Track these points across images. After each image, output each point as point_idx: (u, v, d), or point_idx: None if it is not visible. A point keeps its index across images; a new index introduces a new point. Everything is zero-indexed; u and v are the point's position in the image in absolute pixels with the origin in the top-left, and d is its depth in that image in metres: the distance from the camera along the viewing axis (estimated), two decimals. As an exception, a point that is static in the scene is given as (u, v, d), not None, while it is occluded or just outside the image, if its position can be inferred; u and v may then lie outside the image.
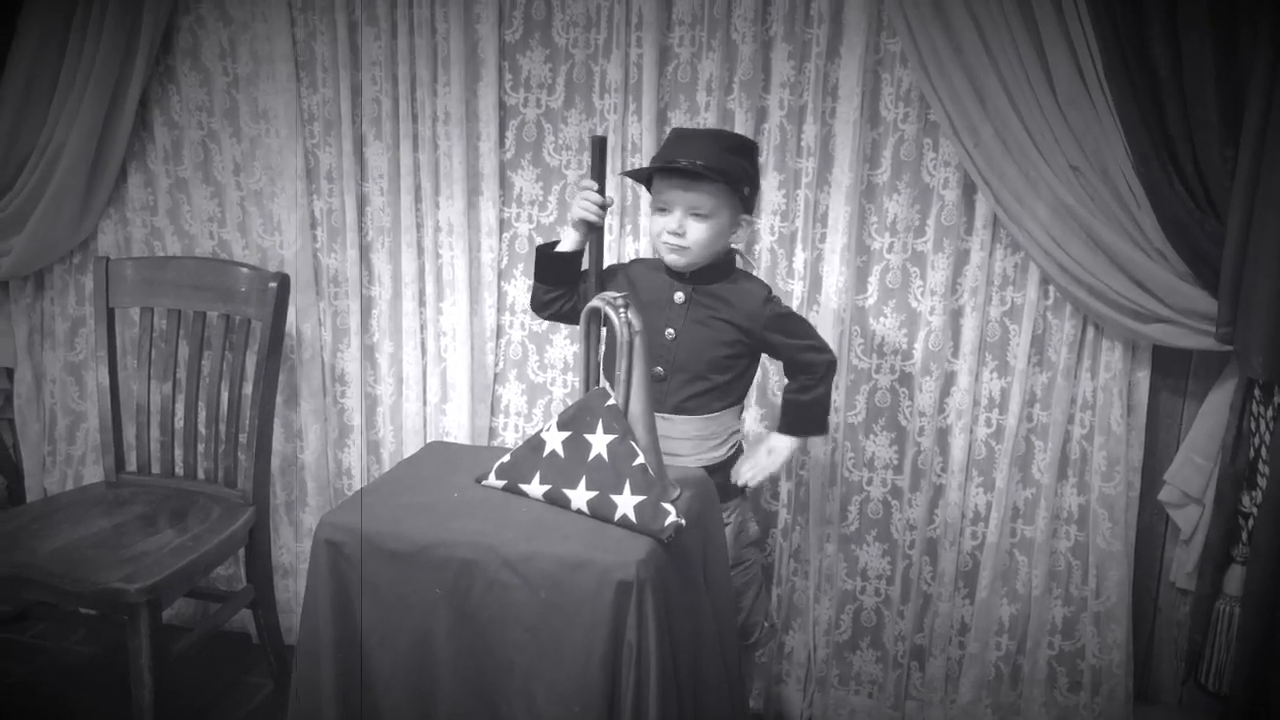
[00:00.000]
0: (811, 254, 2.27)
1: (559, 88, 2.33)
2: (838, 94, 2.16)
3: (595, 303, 1.59)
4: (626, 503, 1.52)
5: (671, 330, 1.86)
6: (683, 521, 1.50)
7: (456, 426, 2.50)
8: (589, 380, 1.68)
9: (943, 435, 2.32)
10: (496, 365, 2.53)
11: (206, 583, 2.66)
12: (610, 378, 1.57)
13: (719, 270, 1.85)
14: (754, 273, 1.97)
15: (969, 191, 2.17)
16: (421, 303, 2.52)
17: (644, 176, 1.85)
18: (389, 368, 2.57)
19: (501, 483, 1.65)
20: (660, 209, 1.81)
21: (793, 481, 2.39)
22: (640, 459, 1.54)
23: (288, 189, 2.48)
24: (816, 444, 2.32)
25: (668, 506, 1.51)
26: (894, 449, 2.37)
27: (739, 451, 1.96)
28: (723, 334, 1.85)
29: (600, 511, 1.54)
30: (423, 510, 1.59)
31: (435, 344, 2.52)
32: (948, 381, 2.29)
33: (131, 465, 2.54)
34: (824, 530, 2.37)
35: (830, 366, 1.89)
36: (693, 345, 1.86)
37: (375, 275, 2.53)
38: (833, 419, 2.24)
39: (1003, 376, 2.26)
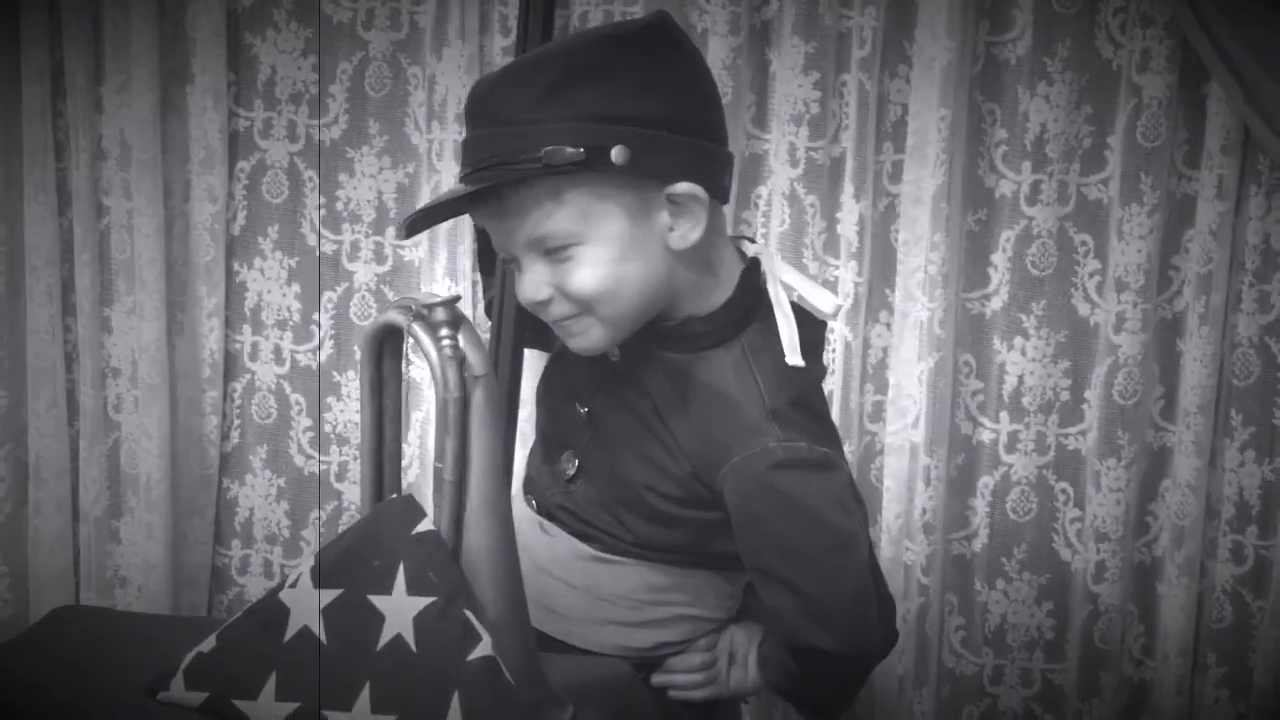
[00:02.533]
0: (872, 205, 2.01)
1: None
2: None
3: (391, 316, 1.38)
4: (455, 743, 1.41)
5: (585, 406, 1.68)
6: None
7: (139, 565, 2.21)
8: (379, 478, 1.47)
9: (1145, 578, 2.02)
10: (226, 436, 2.28)
11: None
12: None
13: (696, 322, 1.61)
14: (790, 317, 1.63)
15: (1195, 81, 1.91)
16: (67, 308, 2.22)
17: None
18: (0, 445, 2.25)
19: (198, 696, 1.42)
20: (508, 262, 1.66)
21: None
22: (485, 645, 1.35)
23: None
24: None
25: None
26: (1046, 607, 2.05)
27: (683, 640, 1.73)
28: (654, 452, 1.62)
29: (400, 761, 1.46)
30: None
31: (96, 394, 2.21)
32: (1154, 468, 2.03)
33: None
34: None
35: (838, 671, 1.64)
36: (608, 449, 1.67)
37: None
38: (929, 546, 2.01)
39: (1267, 459, 1.97)
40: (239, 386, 2.22)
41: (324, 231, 2.13)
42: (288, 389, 2.20)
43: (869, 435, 2.01)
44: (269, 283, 2.17)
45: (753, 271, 1.60)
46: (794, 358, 1.55)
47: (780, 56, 1.98)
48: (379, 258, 2.02)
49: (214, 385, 2.20)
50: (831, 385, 1.98)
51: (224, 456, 2.24)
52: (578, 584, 1.68)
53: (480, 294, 1.98)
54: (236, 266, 2.19)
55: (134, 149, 2.11)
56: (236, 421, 2.23)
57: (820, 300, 1.60)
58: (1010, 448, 2.02)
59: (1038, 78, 1.93)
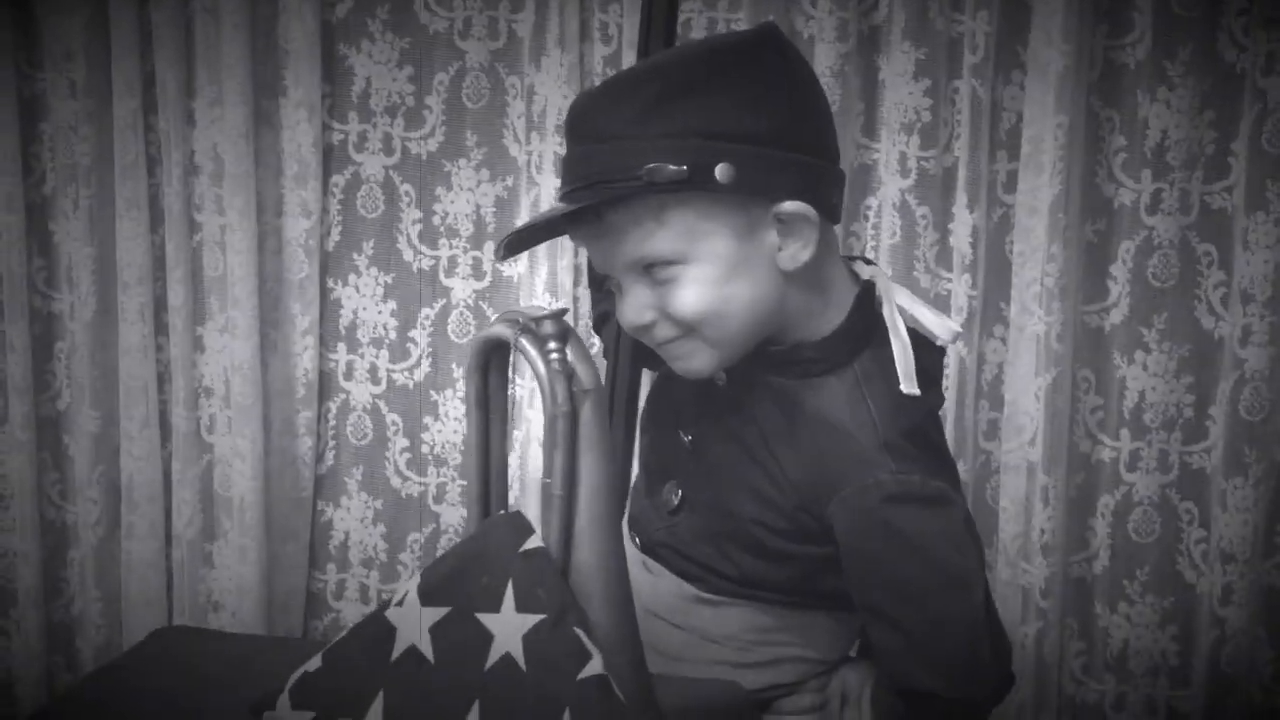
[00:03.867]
0: (988, 217, 2.17)
1: None
2: None
3: (498, 329, 1.44)
4: (567, 765, 1.44)
5: (689, 435, 1.76)
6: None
7: (233, 589, 2.39)
8: (485, 495, 1.53)
9: (1275, 601, 2.18)
10: (321, 458, 2.45)
11: None
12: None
13: (807, 348, 1.68)
14: (905, 343, 1.71)
15: None
16: (159, 327, 2.40)
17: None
18: (92, 467, 2.45)
19: (305, 716, 1.50)
20: (605, 279, 1.75)
21: None
22: (596, 664, 1.40)
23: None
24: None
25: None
26: (1170, 631, 2.21)
27: (793, 681, 1.80)
28: (760, 483, 1.69)
29: (513, 783, 1.48)
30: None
31: (189, 415, 2.40)
32: None
33: None
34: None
35: (955, 712, 1.71)
36: (714, 480, 1.74)
37: (61, 269, 2.44)
38: (1048, 568, 2.15)
39: None
40: (334, 406, 2.40)
41: (421, 247, 2.27)
42: (384, 409, 2.35)
43: (984, 454, 2.18)
44: (364, 300, 2.34)
45: (867, 295, 1.68)
46: (910, 386, 1.64)
47: (890, 63, 2.13)
48: (477, 273, 2.18)
49: (308, 405, 2.39)
50: (945, 402, 2.07)
51: (319, 478, 2.42)
52: (682, 624, 1.78)
53: (588, 309, 2.11)
54: (331, 283, 2.36)
55: (226, 163, 2.28)
56: (331, 442, 2.41)
57: (938, 326, 1.68)
58: (1132, 466, 2.17)
59: (1158, 82, 2.08)
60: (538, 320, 1.41)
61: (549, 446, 1.42)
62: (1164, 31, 2.07)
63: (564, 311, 1.43)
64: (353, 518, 2.44)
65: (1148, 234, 2.10)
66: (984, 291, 2.15)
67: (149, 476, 2.40)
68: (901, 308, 1.69)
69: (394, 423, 2.38)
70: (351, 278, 2.36)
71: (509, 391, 1.69)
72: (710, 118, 1.60)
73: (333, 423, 2.41)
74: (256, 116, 2.30)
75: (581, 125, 1.65)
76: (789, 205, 1.59)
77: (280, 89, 2.31)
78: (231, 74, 2.26)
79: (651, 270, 1.63)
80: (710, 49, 1.73)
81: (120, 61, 2.28)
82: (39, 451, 2.44)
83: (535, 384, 1.53)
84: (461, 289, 2.16)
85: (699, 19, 2.16)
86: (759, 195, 1.60)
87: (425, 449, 2.38)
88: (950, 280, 2.16)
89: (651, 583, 1.78)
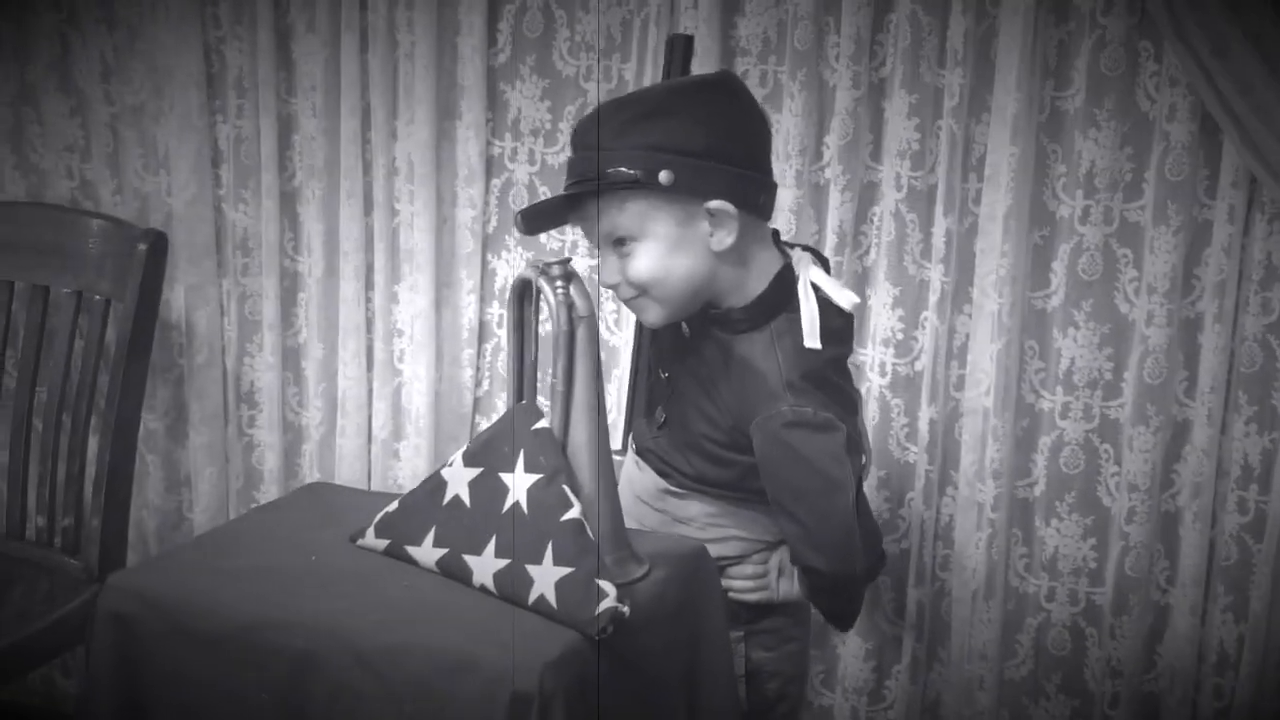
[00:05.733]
0: (960, 222, 2.37)
1: (577, -46, 2.49)
2: (1002, -34, 2.24)
3: (526, 272, 1.71)
4: (546, 577, 1.61)
5: (666, 372, 2.03)
6: (625, 609, 1.57)
7: (415, 476, 2.64)
8: (520, 391, 1.79)
9: (1169, 523, 2.40)
10: (479, 384, 2.72)
11: (28, 688, 2.85)
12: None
13: (736, 311, 1.95)
14: (813, 309, 1.95)
15: (1212, 130, 2.23)
16: (368, 284, 2.70)
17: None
18: (318, 383, 2.76)
19: (383, 543, 1.78)
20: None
21: (922, 588, 2.49)
22: (574, 511, 1.63)
23: (178, 104, 2.67)
24: (966, 529, 2.43)
25: (605, 586, 1.58)
26: (1090, 542, 2.46)
27: (738, 555, 2.07)
28: (708, 408, 1.95)
29: (510, 589, 1.64)
30: (257, 577, 1.73)
31: (386, 348, 2.71)
32: (1177, 435, 2.38)
33: (-68, 517, 2.67)
34: (974, 672, 2.46)
35: (834, 587, 1.98)
36: (679, 404, 2.00)
37: (303, 240, 2.74)
38: (996, 489, 2.38)
39: (1268, 431, 2.33)
40: (488, 348, 2.69)
41: (552, 234, 2.54)
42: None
43: (953, 400, 2.40)
44: (512, 270, 2.63)
45: (788, 272, 1.92)
46: (812, 342, 1.88)
47: (891, 105, 2.36)
48: (592, 254, 2.42)
49: (470, 345, 2.66)
50: (924, 362, 2.39)
51: (476, 399, 2.70)
52: (658, 509, 2.03)
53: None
54: (489, 257, 2.65)
55: (416, 167, 2.56)
56: (486, 374, 2.69)
57: (841, 298, 1.93)
58: (1064, 415, 2.40)
59: (1090, 124, 2.28)
60: (550, 265, 1.68)
61: (555, 355, 1.68)
62: (1095, 86, 2.27)
63: (568, 260, 1.69)
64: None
65: (1079, 239, 2.32)
66: (955, 279, 2.36)
67: (357, 392, 2.71)
68: (815, 284, 1.92)
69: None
70: (504, 253, 2.64)
71: (536, 317, 1.79)
72: (662, 137, 1.83)
73: (487, 358, 2.68)
74: (439, 134, 2.56)
75: (579, 138, 1.92)
76: (715, 203, 1.85)
77: (457, 114, 2.57)
78: (422, 103, 2.54)
79: (618, 245, 1.88)
80: (673, 86, 1.97)
81: (346, 92, 2.59)
82: (283, 371, 2.77)
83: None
84: (578, 264, 2.28)
85: (754, 70, 2.40)
86: (694, 195, 1.85)
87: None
88: (930, 269, 2.38)
89: (640, 477, 2.06)
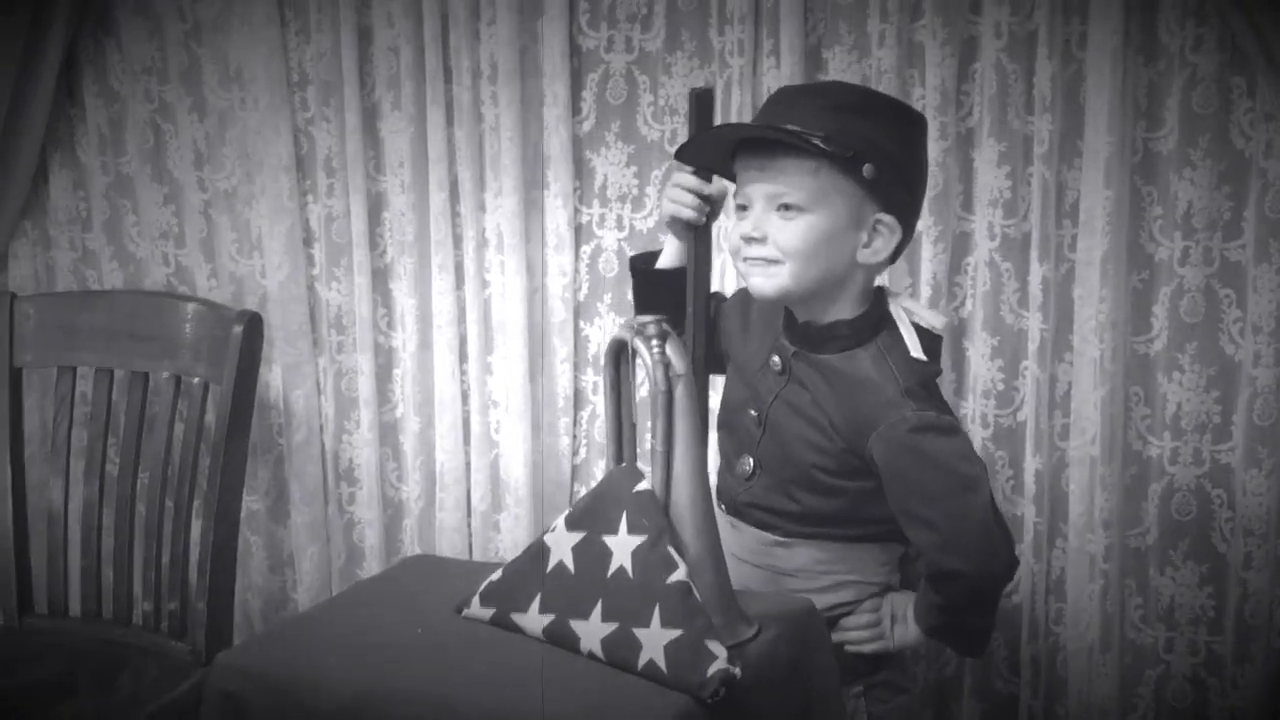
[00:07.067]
0: (1056, 269, 2.36)
1: (657, 20, 2.51)
2: (1087, 9, 2.26)
3: (620, 333, 1.72)
4: (655, 641, 1.60)
5: (754, 411, 1.99)
6: (736, 671, 1.55)
7: (515, 546, 2.62)
8: (620, 454, 1.78)
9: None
10: (576, 451, 2.72)
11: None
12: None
13: (842, 325, 1.94)
14: (910, 328, 1.97)
15: None
16: (462, 356, 2.73)
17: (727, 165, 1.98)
18: (416, 457, 2.77)
19: (488, 612, 1.78)
20: (740, 207, 1.93)
21: (1036, 644, 2.46)
22: (680, 572, 1.62)
23: (270, 187, 2.71)
24: (1079, 581, 2.40)
25: (714, 648, 1.56)
26: (1206, 590, 2.43)
27: (852, 601, 2.04)
28: (813, 436, 1.94)
29: (619, 655, 1.63)
30: (364, 650, 1.73)
31: (482, 420, 2.73)
32: None
33: (41, 605, 2.72)
34: (1092, 727, 2.42)
35: (973, 592, 1.93)
36: (778, 440, 1.97)
37: (396, 315, 2.77)
38: (1107, 539, 2.36)
39: None
40: (584, 415, 2.69)
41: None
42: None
43: (1058, 450, 2.38)
44: (605, 336, 2.62)
45: (881, 295, 1.95)
46: (917, 352, 1.89)
47: (980, 154, 2.36)
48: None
49: (566, 414, 2.67)
50: (1026, 412, 2.38)
51: (574, 468, 2.69)
52: (762, 565, 1.99)
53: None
54: (582, 324, 2.65)
55: (505, 237, 2.58)
56: (584, 441, 2.69)
57: (932, 319, 1.95)
58: (1173, 461, 2.37)
59: (1185, 164, 2.27)
60: (645, 325, 1.69)
61: (653, 416, 1.68)
62: (1188, 125, 2.26)
63: (664, 319, 1.69)
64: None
65: (1179, 281, 2.30)
66: (1054, 326, 2.34)
67: (455, 465, 2.72)
68: (907, 308, 1.95)
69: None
70: (596, 320, 2.64)
71: (633, 376, 1.79)
72: (870, 132, 1.85)
73: (584, 426, 2.68)
74: (527, 203, 2.59)
75: (782, 98, 1.93)
76: (889, 217, 1.88)
77: (544, 183, 2.59)
78: (509, 173, 2.57)
79: (783, 206, 1.86)
80: (871, 91, 2.04)
81: (434, 166, 2.62)
82: (381, 447, 2.79)
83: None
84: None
85: (878, 51, 2.35)
86: (876, 199, 1.86)
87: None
88: (1028, 318, 2.35)
89: (737, 537, 2.01)
